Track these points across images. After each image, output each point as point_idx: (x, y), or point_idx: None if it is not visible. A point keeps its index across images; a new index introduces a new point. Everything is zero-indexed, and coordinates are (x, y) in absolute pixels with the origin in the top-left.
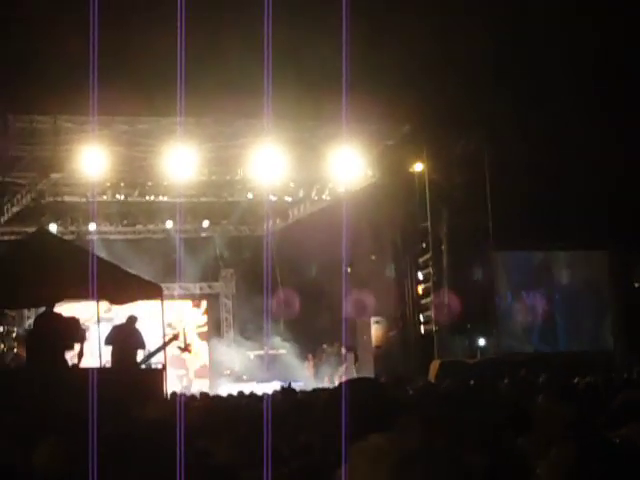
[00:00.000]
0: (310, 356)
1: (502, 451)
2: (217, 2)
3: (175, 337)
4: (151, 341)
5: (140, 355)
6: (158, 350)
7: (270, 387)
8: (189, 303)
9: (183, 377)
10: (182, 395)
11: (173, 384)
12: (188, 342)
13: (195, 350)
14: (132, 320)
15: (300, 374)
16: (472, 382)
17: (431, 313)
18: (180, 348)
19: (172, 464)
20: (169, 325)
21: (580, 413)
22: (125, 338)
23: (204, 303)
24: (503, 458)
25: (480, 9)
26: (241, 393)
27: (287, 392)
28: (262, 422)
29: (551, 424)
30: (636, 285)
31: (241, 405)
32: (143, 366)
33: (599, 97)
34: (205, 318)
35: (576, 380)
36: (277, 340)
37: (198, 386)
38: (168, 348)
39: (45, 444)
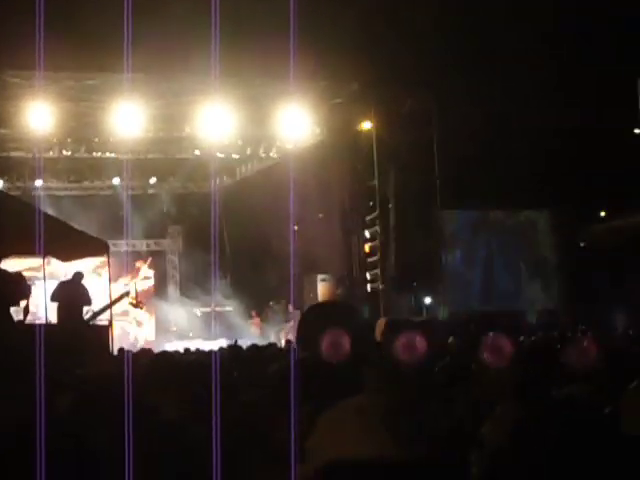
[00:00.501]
0: (254, 313)
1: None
2: None
3: (127, 293)
4: (98, 298)
5: (86, 311)
6: (108, 306)
7: (216, 344)
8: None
9: (130, 333)
10: (129, 351)
11: (121, 340)
12: (139, 299)
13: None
14: (78, 276)
15: (246, 332)
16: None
17: (377, 271)
18: (132, 304)
19: (120, 420)
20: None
21: (525, 371)
22: (71, 294)
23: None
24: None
25: None
26: (187, 350)
27: (233, 349)
28: (210, 378)
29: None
30: (581, 244)
31: (188, 361)
32: (90, 322)
33: (547, 54)
34: (151, 272)
35: (522, 339)
36: (223, 297)
37: (144, 343)
38: (118, 304)
39: None
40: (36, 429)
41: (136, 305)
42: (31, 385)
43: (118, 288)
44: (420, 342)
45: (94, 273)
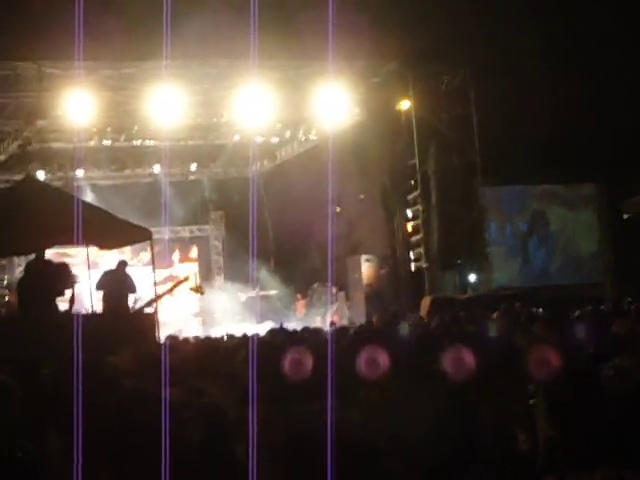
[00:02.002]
0: (299, 295)
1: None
2: None
3: (185, 279)
4: (142, 285)
5: (132, 299)
6: (166, 292)
7: (262, 328)
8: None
9: (176, 321)
10: (174, 337)
11: (168, 328)
12: (199, 283)
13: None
14: (122, 265)
15: (292, 314)
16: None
17: (421, 250)
18: (192, 289)
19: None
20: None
21: (573, 344)
22: (116, 283)
23: (194, 250)
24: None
25: None
26: (231, 335)
27: (278, 332)
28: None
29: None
30: (625, 217)
31: (231, 346)
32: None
33: (588, 30)
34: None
35: (577, 313)
36: (268, 281)
37: (191, 329)
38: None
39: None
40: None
41: (197, 290)
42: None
43: (163, 275)
44: (469, 357)
45: (137, 260)
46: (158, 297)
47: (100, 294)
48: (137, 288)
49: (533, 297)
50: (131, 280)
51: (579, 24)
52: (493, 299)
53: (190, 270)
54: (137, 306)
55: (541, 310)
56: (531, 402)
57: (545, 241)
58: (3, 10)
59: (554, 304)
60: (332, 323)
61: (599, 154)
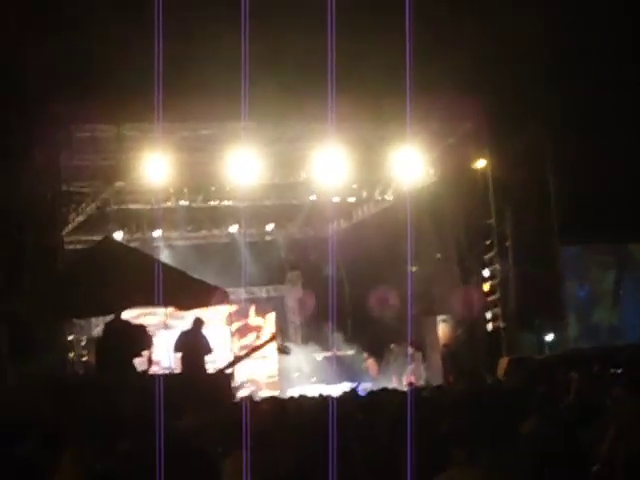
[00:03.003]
0: (366, 354)
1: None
2: (280, 4)
3: (272, 338)
4: (221, 347)
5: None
6: (252, 351)
7: (339, 389)
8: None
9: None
10: (249, 398)
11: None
12: (285, 343)
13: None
14: (198, 324)
15: (368, 375)
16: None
17: (498, 310)
18: (279, 349)
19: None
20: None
21: None
22: (192, 343)
23: (270, 316)
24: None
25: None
26: (303, 396)
27: (351, 394)
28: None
29: (625, 416)
30: None
31: (307, 408)
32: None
33: None
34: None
35: None
36: (344, 342)
37: (270, 392)
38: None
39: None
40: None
41: (282, 350)
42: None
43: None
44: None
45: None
46: (244, 356)
47: (178, 355)
48: (212, 348)
49: (614, 357)
50: (206, 340)
51: None
52: (572, 359)
53: (274, 330)
54: (225, 365)
55: (620, 371)
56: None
57: (627, 301)
58: (84, 73)
59: (635, 364)
60: (410, 384)
61: None
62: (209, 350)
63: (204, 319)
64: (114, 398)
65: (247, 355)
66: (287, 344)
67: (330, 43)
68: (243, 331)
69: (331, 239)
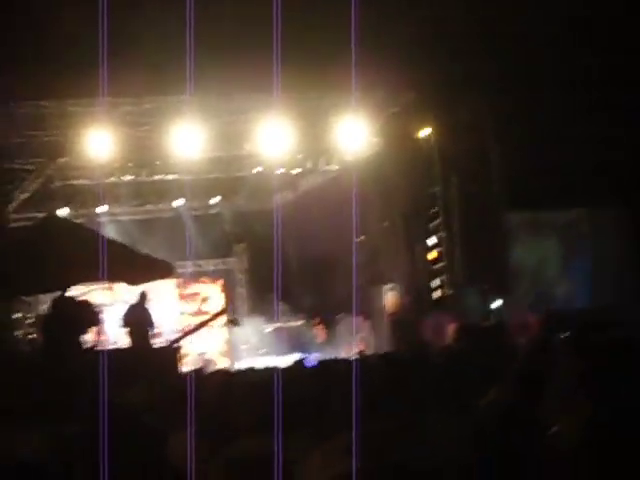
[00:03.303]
0: (317, 320)
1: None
2: None
3: (223, 311)
4: (168, 320)
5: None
6: (202, 324)
7: (288, 360)
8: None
9: (203, 355)
10: (199, 370)
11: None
12: (235, 316)
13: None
14: (142, 297)
15: (318, 345)
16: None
17: (445, 277)
18: (230, 321)
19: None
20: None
21: (597, 368)
22: (138, 317)
23: (219, 283)
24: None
25: None
26: (251, 368)
27: (300, 364)
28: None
29: (565, 380)
30: None
31: (255, 379)
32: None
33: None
34: (223, 297)
35: (596, 336)
36: (292, 312)
37: (220, 364)
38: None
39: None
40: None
41: (233, 322)
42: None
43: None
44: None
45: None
46: (193, 329)
47: (125, 329)
48: (154, 322)
49: (562, 321)
50: (149, 314)
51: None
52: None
53: (222, 302)
54: (175, 338)
55: (562, 335)
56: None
57: (569, 266)
58: (25, 49)
59: (584, 328)
60: (360, 352)
61: (621, 177)
62: (152, 324)
63: (151, 293)
64: (60, 375)
65: (197, 328)
66: (236, 316)
67: (275, 12)
68: (190, 297)
69: (277, 211)
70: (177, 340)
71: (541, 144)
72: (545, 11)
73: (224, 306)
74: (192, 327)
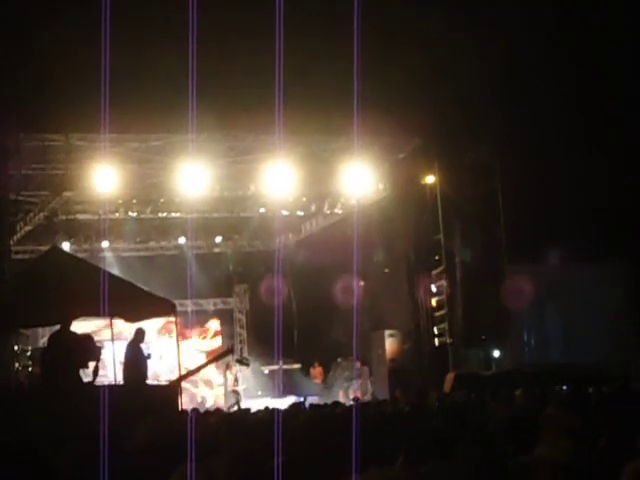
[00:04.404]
0: (316, 364)
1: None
2: (229, 19)
3: (230, 350)
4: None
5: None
6: (208, 363)
7: (284, 402)
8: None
9: (197, 394)
10: (195, 410)
11: (188, 401)
12: (244, 355)
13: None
14: (138, 334)
15: (315, 388)
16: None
17: (445, 325)
18: (238, 361)
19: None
20: None
21: (588, 423)
22: (134, 354)
23: (214, 323)
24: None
25: (490, 25)
26: (245, 410)
27: (298, 408)
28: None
29: (557, 434)
30: None
31: (253, 421)
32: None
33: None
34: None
35: (590, 390)
36: (291, 355)
37: (214, 403)
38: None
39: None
40: None
41: (242, 362)
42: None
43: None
44: None
45: (162, 333)
46: (200, 368)
47: (122, 365)
48: (147, 361)
49: (558, 375)
50: (142, 351)
51: (605, 103)
52: (517, 376)
53: (233, 341)
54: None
55: (558, 389)
56: None
57: (573, 320)
58: (33, 83)
59: (579, 382)
60: (355, 399)
61: (626, 231)
62: (145, 362)
63: (151, 330)
64: (59, 410)
65: (204, 366)
66: (245, 356)
67: (279, 55)
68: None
69: (279, 252)
70: (182, 378)
71: (545, 194)
72: (550, 55)
73: (231, 345)
74: (199, 365)
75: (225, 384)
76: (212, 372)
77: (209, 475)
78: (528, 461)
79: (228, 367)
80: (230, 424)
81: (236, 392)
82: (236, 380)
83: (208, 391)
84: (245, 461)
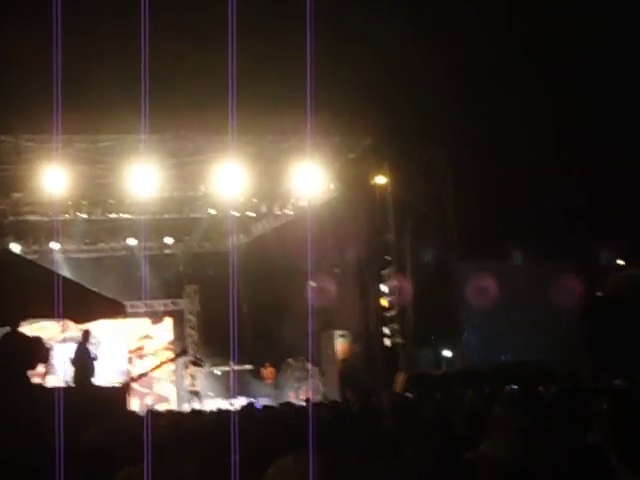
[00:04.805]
0: (267, 364)
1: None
2: (181, 20)
3: (184, 351)
4: (116, 359)
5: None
6: (162, 364)
7: (236, 403)
8: (147, 321)
9: (147, 396)
10: (150, 411)
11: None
12: (197, 356)
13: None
14: (85, 335)
15: (266, 389)
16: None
17: (396, 325)
18: (193, 362)
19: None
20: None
21: (535, 422)
22: (79, 355)
23: (167, 320)
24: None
25: (442, 25)
26: (198, 411)
27: (250, 409)
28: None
29: (504, 434)
30: (598, 294)
31: (205, 422)
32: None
33: (552, 108)
34: (172, 335)
35: (540, 389)
36: (242, 356)
37: (162, 405)
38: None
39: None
40: None
41: (196, 363)
42: (48, 446)
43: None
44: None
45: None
46: (154, 368)
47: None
48: (94, 362)
49: (507, 374)
50: (89, 353)
51: (556, 105)
52: (468, 375)
53: (187, 343)
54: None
55: (507, 389)
56: None
57: (520, 317)
58: None
59: (527, 382)
60: (307, 400)
61: (574, 229)
62: (92, 364)
63: (100, 331)
64: (6, 412)
65: (157, 367)
66: (199, 356)
67: (231, 55)
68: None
69: (231, 253)
70: (134, 379)
71: (495, 192)
72: (502, 55)
73: (184, 347)
74: (153, 366)
75: (179, 384)
76: (164, 373)
77: (177, 476)
78: (474, 457)
79: (186, 367)
80: (182, 426)
81: (195, 392)
82: (193, 380)
83: (162, 391)
84: (207, 460)
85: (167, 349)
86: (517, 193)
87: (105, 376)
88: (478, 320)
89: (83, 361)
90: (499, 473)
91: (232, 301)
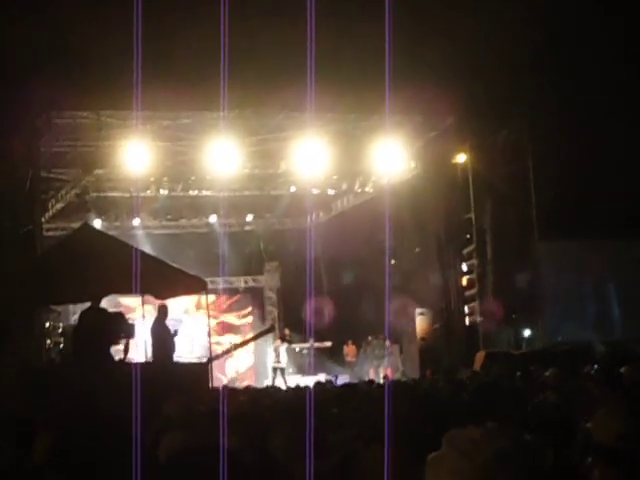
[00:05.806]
0: (350, 341)
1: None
2: None
3: (271, 328)
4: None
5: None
6: (251, 339)
7: (315, 380)
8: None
9: (229, 372)
10: (229, 387)
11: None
12: (286, 332)
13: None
14: (161, 311)
15: (344, 367)
16: (518, 373)
17: (476, 304)
18: (281, 338)
19: (216, 458)
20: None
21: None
22: (158, 331)
23: (246, 297)
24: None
25: (523, 2)
26: (278, 386)
27: (328, 385)
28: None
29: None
30: None
31: (285, 398)
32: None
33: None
34: (252, 312)
35: (623, 369)
36: (323, 333)
37: (245, 381)
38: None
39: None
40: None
41: (283, 339)
42: (126, 423)
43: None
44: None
45: (195, 311)
46: (240, 345)
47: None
48: (173, 338)
49: (589, 353)
50: (167, 328)
51: None
52: (549, 354)
53: (270, 320)
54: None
55: (596, 367)
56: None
57: (609, 294)
58: (64, 61)
59: (612, 360)
60: (386, 377)
61: None
62: (172, 339)
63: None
64: (89, 387)
65: (243, 344)
66: (288, 333)
67: (311, 32)
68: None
69: (310, 231)
70: (221, 355)
71: (580, 172)
72: (583, 32)
73: (272, 324)
74: (239, 343)
75: (262, 361)
76: (246, 350)
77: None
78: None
79: (274, 343)
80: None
81: (281, 369)
82: (278, 357)
83: (241, 368)
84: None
85: (250, 326)
86: (600, 171)
87: (188, 352)
88: (560, 299)
89: (162, 337)
90: (610, 454)
91: (309, 277)
